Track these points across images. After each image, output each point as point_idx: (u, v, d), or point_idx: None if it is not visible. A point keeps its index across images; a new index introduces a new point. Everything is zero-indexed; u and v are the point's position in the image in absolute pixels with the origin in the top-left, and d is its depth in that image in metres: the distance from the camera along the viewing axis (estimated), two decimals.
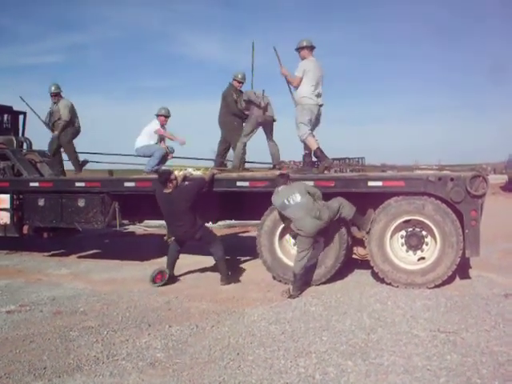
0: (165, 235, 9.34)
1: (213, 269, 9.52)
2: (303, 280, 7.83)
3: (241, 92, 10.70)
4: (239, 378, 4.79)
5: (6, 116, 13.28)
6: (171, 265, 8.59)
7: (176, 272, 8.78)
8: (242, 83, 10.84)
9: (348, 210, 7.90)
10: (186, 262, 9.63)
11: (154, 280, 8.27)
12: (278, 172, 9.09)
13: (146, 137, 10.68)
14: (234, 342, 5.74)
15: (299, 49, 9.17)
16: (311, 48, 9.19)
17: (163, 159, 10.69)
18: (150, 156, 10.55)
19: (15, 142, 12.54)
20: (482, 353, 5.28)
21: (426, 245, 8.11)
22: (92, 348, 5.62)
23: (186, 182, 8.68)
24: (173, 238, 8.64)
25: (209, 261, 10.03)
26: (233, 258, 10.26)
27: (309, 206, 7.65)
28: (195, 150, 11.19)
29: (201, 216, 8.51)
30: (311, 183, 8.34)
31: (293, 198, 7.72)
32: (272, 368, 5.00)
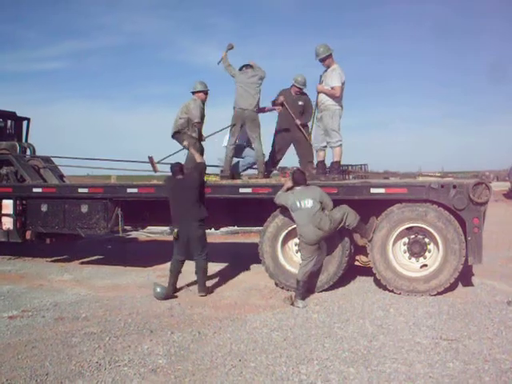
0: (170, 238, 9.12)
1: (215, 275, 9.54)
2: (306, 287, 7.83)
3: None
4: None
5: (9, 122, 13.30)
6: (173, 278, 8.39)
7: (178, 279, 8.77)
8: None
9: (352, 218, 7.87)
10: (188, 268, 9.61)
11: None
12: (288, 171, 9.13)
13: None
14: (235, 348, 5.74)
15: (323, 59, 9.09)
16: (331, 54, 9.15)
17: (251, 165, 10.38)
18: (241, 157, 10.29)
19: (19, 147, 12.55)
20: (484, 360, 5.28)
21: (429, 252, 8.12)
22: (94, 354, 5.62)
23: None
24: (176, 230, 8.35)
25: (211, 267, 10.05)
26: (235, 265, 10.27)
27: (315, 214, 7.62)
28: None
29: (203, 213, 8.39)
30: None
31: (305, 202, 7.69)
32: (274, 375, 5.00)
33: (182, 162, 9.10)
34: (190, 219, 8.21)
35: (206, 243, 8.47)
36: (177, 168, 8.58)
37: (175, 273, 8.41)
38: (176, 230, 8.28)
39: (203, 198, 8.53)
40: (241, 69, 9.68)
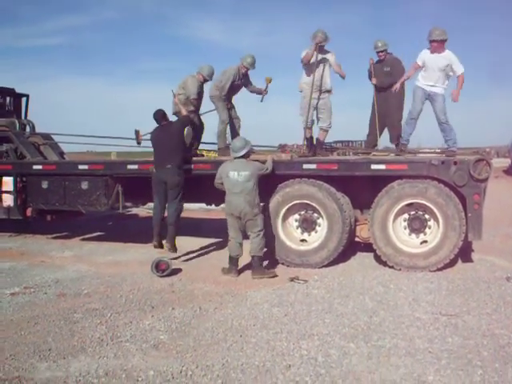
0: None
1: (215, 251, 9.59)
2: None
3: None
4: (242, 359, 4.83)
5: (8, 98, 13.22)
6: (157, 226, 8.68)
7: (178, 254, 8.83)
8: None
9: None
10: (189, 244, 9.66)
11: (157, 267, 7.91)
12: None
13: None
14: (236, 324, 5.78)
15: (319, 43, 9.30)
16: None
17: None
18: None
19: (18, 124, 12.50)
20: (483, 335, 5.32)
21: (429, 228, 8.14)
22: (96, 330, 5.66)
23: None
24: (155, 170, 8.72)
25: (212, 243, 10.11)
26: None
27: (248, 188, 7.74)
28: None
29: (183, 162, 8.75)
30: (313, 166, 8.39)
31: (242, 173, 7.77)
32: (274, 350, 5.03)
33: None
34: (170, 165, 8.47)
35: (178, 195, 8.62)
36: (159, 114, 8.85)
37: (157, 222, 8.70)
38: (153, 169, 8.71)
39: (184, 148, 8.92)
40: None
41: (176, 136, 8.69)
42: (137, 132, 10.53)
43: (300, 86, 9.69)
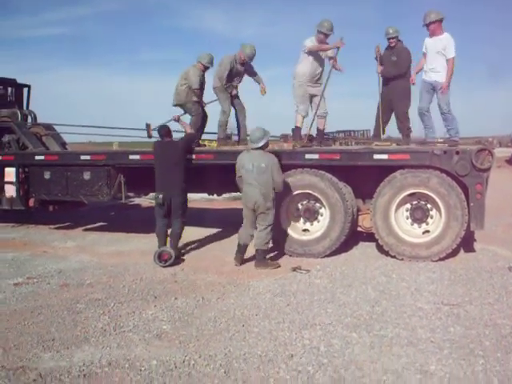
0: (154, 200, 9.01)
1: (218, 241, 9.60)
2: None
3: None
4: (244, 349, 4.85)
5: (10, 89, 13.20)
6: (162, 241, 8.42)
7: (181, 244, 8.83)
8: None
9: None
10: (191, 234, 9.65)
11: (159, 258, 7.95)
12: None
13: None
14: (239, 313, 5.79)
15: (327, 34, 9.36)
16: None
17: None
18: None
19: (20, 115, 12.48)
20: (485, 325, 5.33)
21: (431, 218, 8.13)
22: (99, 320, 5.68)
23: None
24: (160, 196, 8.29)
25: (214, 233, 10.13)
26: (237, 231, 10.28)
27: (263, 180, 7.68)
28: None
29: (186, 180, 8.50)
30: (316, 156, 8.38)
31: (257, 165, 7.71)
32: (277, 340, 5.05)
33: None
34: (173, 184, 8.30)
35: (186, 208, 8.57)
36: (164, 131, 8.74)
37: (162, 236, 8.46)
38: (161, 196, 8.27)
39: (186, 167, 8.55)
40: None
41: (179, 153, 8.46)
42: (148, 126, 10.52)
43: (295, 72, 9.58)
